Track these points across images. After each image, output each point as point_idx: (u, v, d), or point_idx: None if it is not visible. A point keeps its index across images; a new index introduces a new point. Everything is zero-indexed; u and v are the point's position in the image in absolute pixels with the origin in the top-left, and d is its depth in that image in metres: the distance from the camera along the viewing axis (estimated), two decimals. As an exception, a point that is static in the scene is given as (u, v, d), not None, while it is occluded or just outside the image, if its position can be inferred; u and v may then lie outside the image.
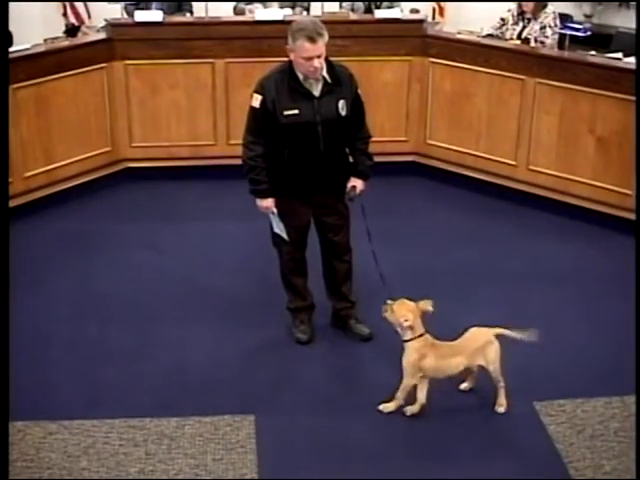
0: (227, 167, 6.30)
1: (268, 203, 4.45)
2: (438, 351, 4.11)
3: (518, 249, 5.83)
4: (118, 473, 3.86)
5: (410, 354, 4.10)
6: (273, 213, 4.48)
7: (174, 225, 6.09)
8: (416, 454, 4.01)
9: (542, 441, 4.07)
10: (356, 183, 4.49)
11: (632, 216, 5.90)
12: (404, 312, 4.08)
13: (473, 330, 4.20)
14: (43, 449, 3.96)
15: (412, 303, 4.12)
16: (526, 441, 4.08)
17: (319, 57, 4.20)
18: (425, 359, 4.09)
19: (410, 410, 4.20)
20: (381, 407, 4.22)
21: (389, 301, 4.12)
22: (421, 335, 4.10)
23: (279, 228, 4.52)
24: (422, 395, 4.18)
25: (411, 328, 4.08)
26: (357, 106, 4.47)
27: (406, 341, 4.11)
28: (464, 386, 4.34)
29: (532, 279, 5.44)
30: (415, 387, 4.17)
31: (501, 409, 4.24)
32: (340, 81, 4.36)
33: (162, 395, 4.37)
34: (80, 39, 7.51)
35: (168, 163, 6.69)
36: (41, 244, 5.60)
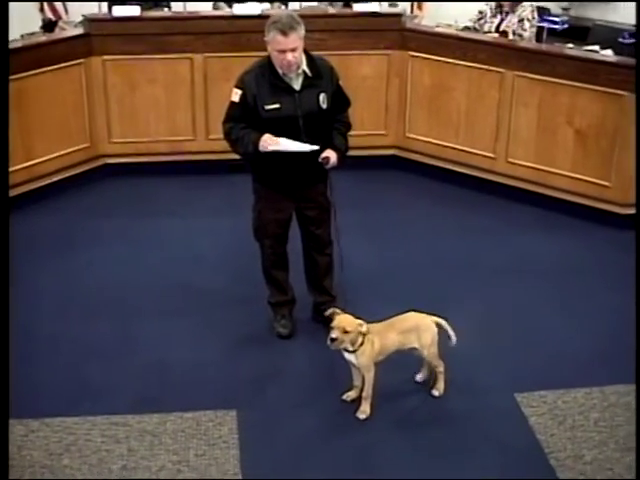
0: (207, 162, 6.32)
1: (264, 140, 4.24)
2: (378, 332, 4.11)
3: (499, 242, 5.85)
4: (100, 470, 3.85)
5: (365, 351, 4.08)
6: (279, 144, 4.25)
7: (155, 221, 6.07)
8: (401, 450, 4.01)
9: (523, 433, 4.09)
10: (330, 154, 4.37)
11: (612, 208, 5.94)
12: (350, 320, 4.03)
13: (410, 313, 4.22)
14: (25, 447, 3.94)
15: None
16: (508, 433, 4.09)
17: (293, 51, 4.18)
18: (374, 345, 4.10)
19: (349, 396, 4.25)
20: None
21: (333, 334, 4.01)
22: (367, 332, 4.07)
23: (299, 147, 4.26)
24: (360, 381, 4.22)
25: (363, 334, 4.06)
26: (339, 98, 4.46)
27: (360, 345, 4.08)
28: (419, 377, 4.36)
29: (513, 272, 5.45)
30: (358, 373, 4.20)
31: (436, 393, 4.27)
32: (320, 74, 4.35)
33: (144, 391, 4.36)
34: (57, 34, 7.45)
35: (147, 159, 6.67)
36: (21, 240, 5.55)
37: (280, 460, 3.94)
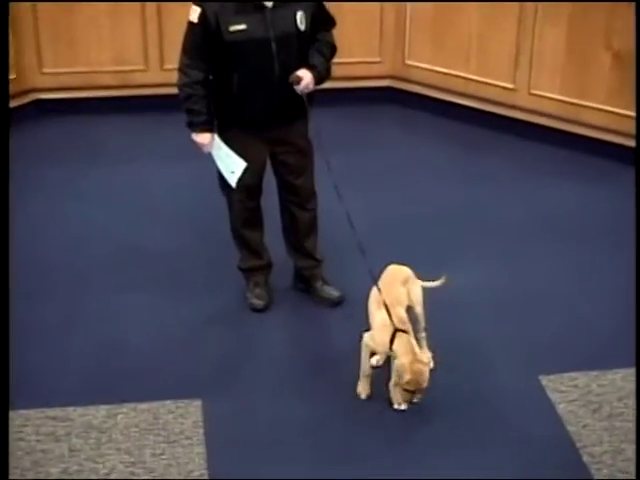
0: (162, 97, 6.23)
1: (204, 139, 4.44)
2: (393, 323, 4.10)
3: (516, 192, 5.87)
4: (36, 475, 3.83)
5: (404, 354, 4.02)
6: (219, 150, 4.46)
7: (100, 169, 6.06)
8: (401, 443, 4.02)
9: (550, 423, 4.10)
10: (303, 73, 4.31)
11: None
12: (426, 370, 3.97)
13: (391, 267, 4.31)
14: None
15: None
16: (531, 424, 4.09)
17: None
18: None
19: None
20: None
21: (415, 398, 4.00)
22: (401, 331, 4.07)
23: (227, 171, 4.48)
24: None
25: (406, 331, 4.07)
26: (320, 17, 4.43)
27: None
28: (375, 360, 4.30)
29: (532, 229, 5.49)
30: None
31: (431, 364, 4.23)
32: (298, -13, 4.31)
33: (89, 378, 4.35)
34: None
35: (89, 93, 6.63)
36: None
37: (254, 458, 3.93)
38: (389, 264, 4.34)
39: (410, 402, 4.01)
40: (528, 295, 4.93)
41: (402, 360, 3.94)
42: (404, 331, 4.02)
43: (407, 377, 3.92)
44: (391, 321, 4.03)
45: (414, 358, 3.93)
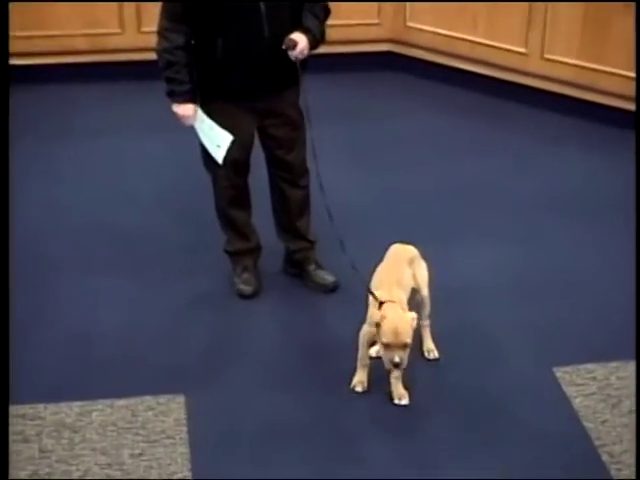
0: (139, 63, 6.23)
1: (186, 110, 4.42)
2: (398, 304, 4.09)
3: (528, 165, 5.89)
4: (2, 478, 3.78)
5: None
6: (202, 122, 4.44)
7: (72, 142, 6.07)
8: (402, 442, 4.02)
9: (565, 419, 4.09)
10: (298, 37, 4.30)
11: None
12: (405, 322, 3.95)
13: (395, 246, 4.32)
14: None
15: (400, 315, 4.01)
16: (544, 420, 4.09)
17: None
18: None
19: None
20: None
21: (396, 357, 3.92)
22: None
23: (212, 145, 4.45)
24: None
25: None
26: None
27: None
28: (375, 351, 4.30)
29: (546, 205, 5.50)
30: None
31: (437, 354, 4.35)
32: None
33: (61, 372, 4.34)
34: None
35: (59, 59, 6.61)
36: None
37: (242, 458, 3.92)
38: (393, 243, 4.34)
39: (393, 364, 3.93)
40: (542, 277, 4.93)
41: (383, 312, 3.95)
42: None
43: (384, 326, 3.90)
44: (375, 298, 4.03)
45: (396, 313, 3.96)
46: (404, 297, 4.13)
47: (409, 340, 3.91)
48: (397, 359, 3.90)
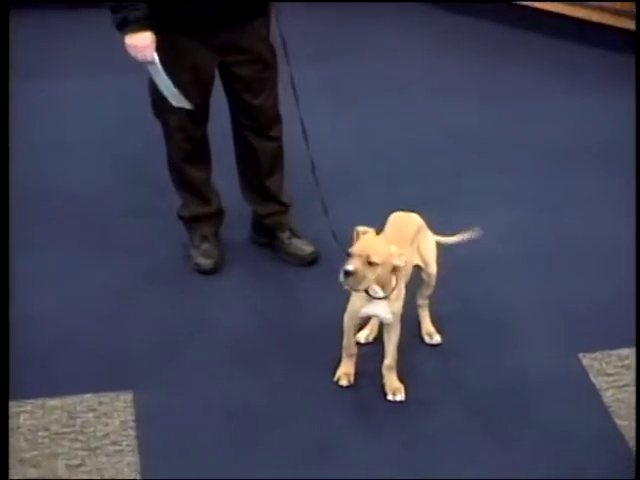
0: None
1: (144, 39, 4.30)
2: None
3: (549, 109, 5.95)
4: None
5: (399, 295, 4.09)
6: (153, 62, 4.35)
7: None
8: (398, 444, 3.99)
9: (593, 414, 4.09)
10: None
11: None
12: (381, 245, 3.97)
13: (395, 215, 4.29)
14: None
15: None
16: (569, 415, 4.09)
17: None
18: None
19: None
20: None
21: (350, 264, 3.90)
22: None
23: (167, 87, 4.39)
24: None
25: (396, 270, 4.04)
26: None
27: (393, 290, 4.09)
28: (364, 336, 4.38)
29: (572, 158, 5.51)
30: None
31: (438, 338, 4.39)
32: None
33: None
34: None
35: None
36: None
37: (204, 465, 3.92)
38: (388, 210, 4.26)
39: (344, 271, 3.88)
40: (567, 247, 4.96)
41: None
42: None
43: (355, 238, 3.96)
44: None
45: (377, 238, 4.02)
46: (410, 258, 4.12)
47: (377, 259, 3.88)
48: (350, 267, 3.87)
